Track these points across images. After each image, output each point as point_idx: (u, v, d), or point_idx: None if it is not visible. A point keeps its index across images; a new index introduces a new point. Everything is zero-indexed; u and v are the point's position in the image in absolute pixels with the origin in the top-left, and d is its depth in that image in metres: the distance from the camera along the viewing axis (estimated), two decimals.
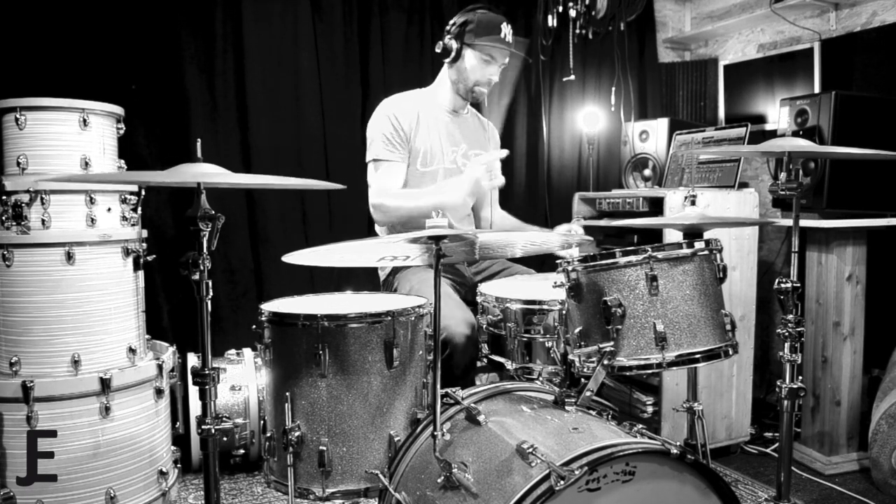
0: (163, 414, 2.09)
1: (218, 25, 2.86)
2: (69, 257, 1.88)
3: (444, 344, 1.83)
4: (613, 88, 3.55)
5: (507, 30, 2.26)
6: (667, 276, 1.43)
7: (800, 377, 1.73)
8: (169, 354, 2.14)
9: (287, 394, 1.54)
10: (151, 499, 1.99)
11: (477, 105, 2.51)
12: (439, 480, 1.30)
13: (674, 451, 1.21)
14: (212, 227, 1.32)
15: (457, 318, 1.89)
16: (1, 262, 1.87)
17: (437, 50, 2.31)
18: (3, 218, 1.90)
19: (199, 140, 1.40)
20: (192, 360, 2.54)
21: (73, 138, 1.93)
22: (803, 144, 1.69)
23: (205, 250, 1.33)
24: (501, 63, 2.32)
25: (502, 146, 2.63)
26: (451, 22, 2.31)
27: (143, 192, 2.10)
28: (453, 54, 2.28)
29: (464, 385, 1.70)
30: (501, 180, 2.16)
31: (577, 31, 3.34)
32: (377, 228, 2.41)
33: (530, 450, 1.21)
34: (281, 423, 1.54)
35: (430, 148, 2.32)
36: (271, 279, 2.97)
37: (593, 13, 3.25)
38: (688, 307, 1.44)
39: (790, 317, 1.67)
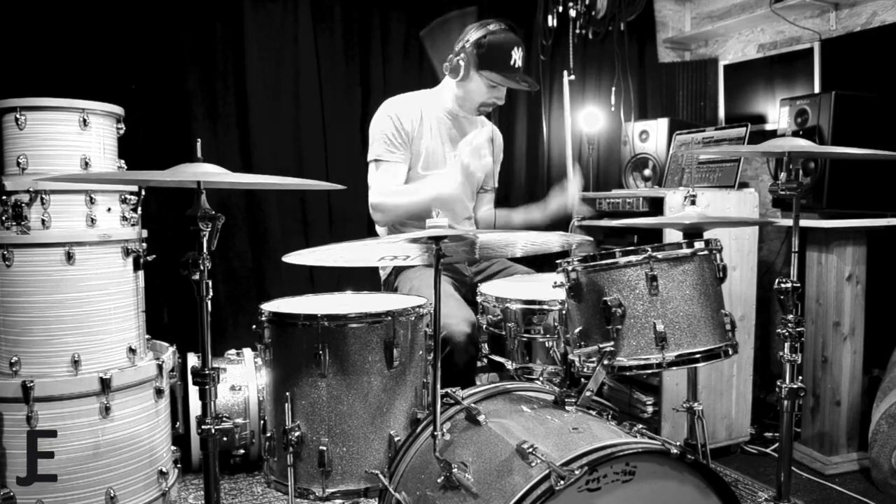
0: (163, 414, 2.09)
1: (218, 25, 2.86)
2: (69, 257, 1.88)
3: (443, 342, 1.83)
4: (613, 88, 3.55)
5: (517, 55, 2.20)
6: (667, 276, 1.43)
7: (800, 377, 1.73)
8: (169, 354, 2.14)
9: (287, 394, 1.54)
10: (151, 499, 1.99)
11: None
12: (439, 480, 1.30)
13: (674, 451, 1.21)
14: (212, 227, 1.32)
15: (457, 317, 1.89)
16: (1, 262, 1.87)
17: (445, 70, 2.27)
18: (3, 218, 1.90)
19: (199, 140, 1.40)
20: (192, 360, 2.54)
21: (73, 138, 1.93)
22: (803, 144, 1.69)
23: (205, 250, 1.33)
24: (508, 86, 2.27)
25: (504, 147, 2.63)
26: (464, 38, 2.23)
27: (143, 192, 2.10)
28: (461, 74, 2.23)
29: (464, 385, 1.70)
30: (489, 160, 2.17)
31: (577, 31, 3.35)
32: (377, 229, 2.41)
33: (530, 450, 1.21)
34: (281, 423, 1.54)
35: (433, 151, 2.31)
36: (271, 279, 2.97)
37: (593, 13, 3.26)
38: (688, 307, 1.44)
39: (790, 317, 1.67)
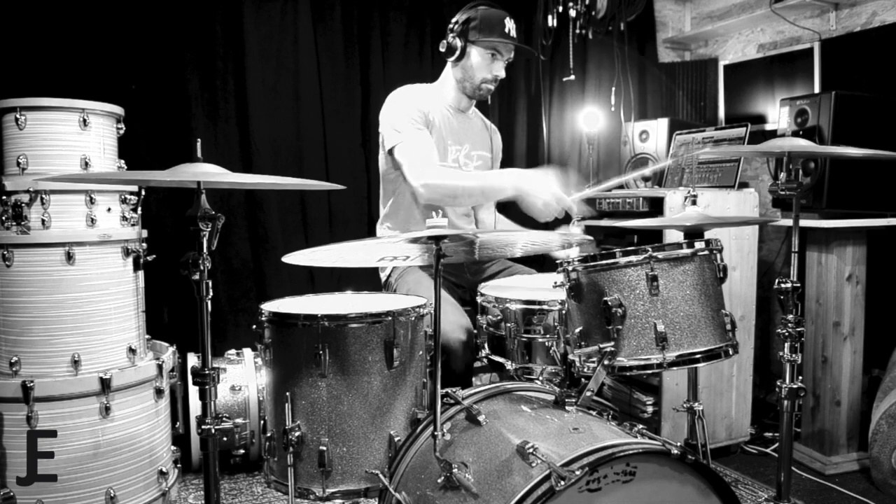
0: (163, 414, 2.09)
1: (218, 25, 2.86)
2: (69, 257, 1.88)
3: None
4: (613, 88, 3.55)
5: (510, 24, 2.25)
6: (667, 276, 1.43)
7: (800, 377, 1.73)
8: (169, 354, 2.14)
9: (287, 394, 1.54)
10: (151, 499, 1.99)
11: (482, 106, 2.50)
12: (439, 480, 1.30)
13: (674, 451, 1.21)
14: (212, 227, 1.32)
15: (453, 324, 1.88)
16: (1, 262, 1.87)
17: (442, 49, 2.30)
18: (3, 218, 1.90)
19: (199, 140, 1.40)
20: (192, 360, 2.54)
21: (73, 138, 1.93)
22: (803, 144, 1.69)
23: (205, 250, 1.33)
24: (507, 58, 2.31)
25: (504, 147, 2.63)
26: (454, 20, 2.29)
27: (143, 192, 2.10)
28: (458, 53, 2.26)
29: (463, 385, 1.70)
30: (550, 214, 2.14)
31: (577, 31, 3.34)
32: (378, 229, 2.41)
33: (531, 450, 1.21)
34: (281, 423, 1.54)
35: (437, 144, 2.31)
36: (271, 279, 2.97)
37: (593, 13, 3.25)
38: (688, 307, 1.44)
39: (790, 317, 1.67)
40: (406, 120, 2.22)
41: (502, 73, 2.31)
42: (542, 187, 2.08)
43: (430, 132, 2.27)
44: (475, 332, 1.90)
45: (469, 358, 1.90)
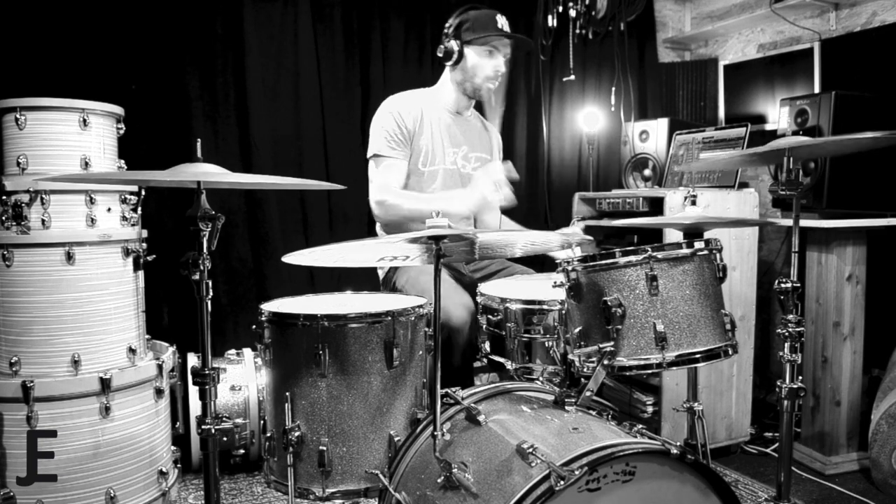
0: (163, 414, 2.09)
1: (218, 25, 2.86)
2: (69, 257, 1.88)
3: (441, 327, 1.83)
4: (613, 88, 3.55)
5: (502, 21, 2.28)
6: (667, 276, 1.43)
7: (800, 377, 1.72)
8: (169, 354, 2.14)
9: (287, 394, 1.54)
10: (151, 499, 1.99)
11: (480, 107, 2.51)
12: (439, 480, 1.30)
13: (674, 451, 1.21)
14: (212, 227, 1.32)
15: (455, 302, 1.91)
16: (1, 262, 1.87)
17: (439, 54, 2.33)
18: (3, 218, 1.90)
19: (199, 140, 1.40)
20: (192, 360, 2.54)
21: (73, 138, 1.93)
22: (795, 141, 1.67)
23: (205, 250, 1.33)
24: (505, 53, 2.32)
25: (504, 147, 2.63)
26: (447, 25, 2.32)
27: (143, 192, 2.10)
28: (455, 55, 2.29)
29: (464, 384, 1.70)
30: (508, 195, 2.16)
31: (577, 31, 3.35)
32: (377, 228, 2.41)
33: (530, 450, 1.21)
34: (281, 423, 1.54)
35: (432, 148, 2.32)
36: (271, 279, 2.97)
37: (593, 13, 3.26)
38: (688, 307, 1.44)
39: (790, 317, 1.67)
40: (383, 137, 2.27)
41: (503, 67, 2.33)
42: (480, 197, 2.14)
43: (421, 136, 2.30)
44: (476, 311, 1.92)
45: (471, 337, 1.91)
